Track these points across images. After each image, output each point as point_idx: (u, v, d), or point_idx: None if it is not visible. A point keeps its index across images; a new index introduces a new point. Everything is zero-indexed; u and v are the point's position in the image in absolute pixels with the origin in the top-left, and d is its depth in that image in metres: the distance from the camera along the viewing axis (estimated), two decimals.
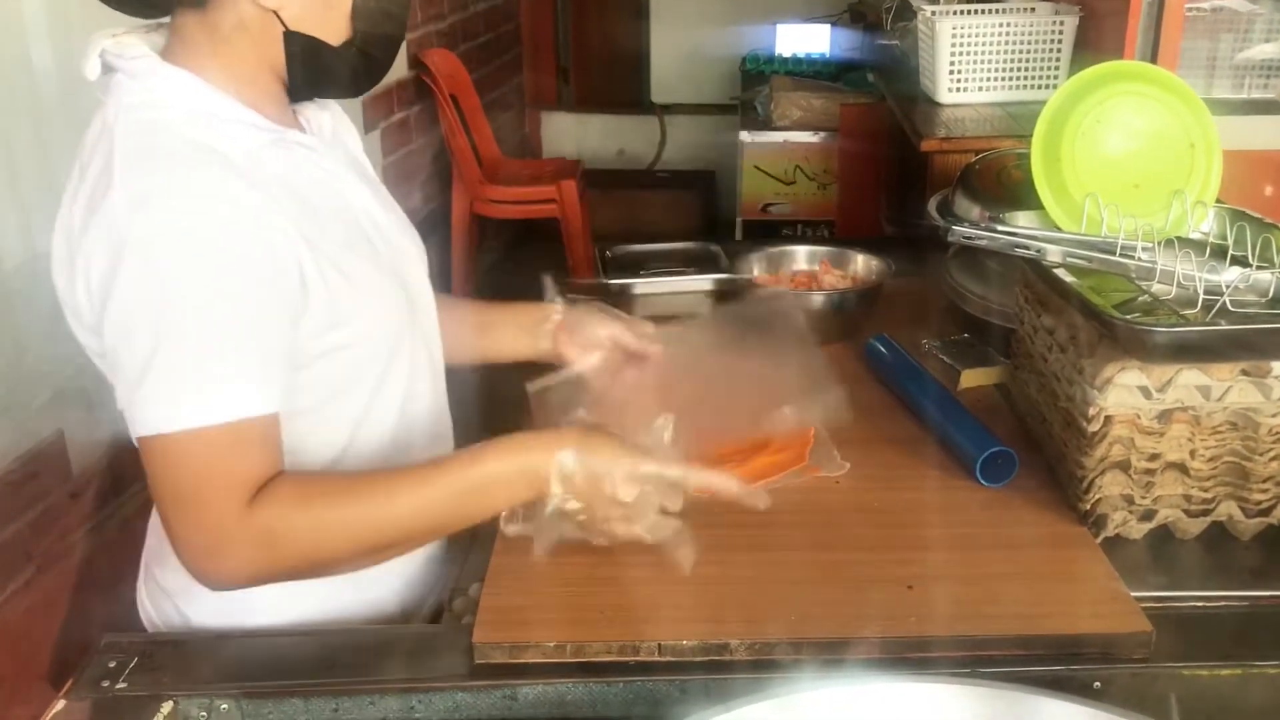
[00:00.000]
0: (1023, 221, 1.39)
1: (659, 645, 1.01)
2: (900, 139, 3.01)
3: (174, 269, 0.99)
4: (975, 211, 1.87)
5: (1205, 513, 1.18)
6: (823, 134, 3.96)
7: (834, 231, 2.03)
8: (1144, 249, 1.22)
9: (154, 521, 1.24)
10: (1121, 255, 1.23)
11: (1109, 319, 1.10)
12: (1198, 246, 1.26)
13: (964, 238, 1.29)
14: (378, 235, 1.19)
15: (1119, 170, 1.36)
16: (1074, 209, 1.36)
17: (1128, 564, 1.15)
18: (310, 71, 1.10)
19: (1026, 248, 1.26)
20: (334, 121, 1.25)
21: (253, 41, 1.07)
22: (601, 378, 1.34)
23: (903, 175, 3.05)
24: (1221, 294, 1.12)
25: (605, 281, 1.74)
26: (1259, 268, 1.19)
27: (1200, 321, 1.10)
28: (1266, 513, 1.18)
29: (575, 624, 1.04)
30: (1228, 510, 1.18)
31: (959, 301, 1.65)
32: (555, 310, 1.39)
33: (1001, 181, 1.92)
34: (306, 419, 1.12)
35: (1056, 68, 2.36)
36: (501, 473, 1.06)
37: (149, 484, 1.03)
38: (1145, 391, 1.14)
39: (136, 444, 1.03)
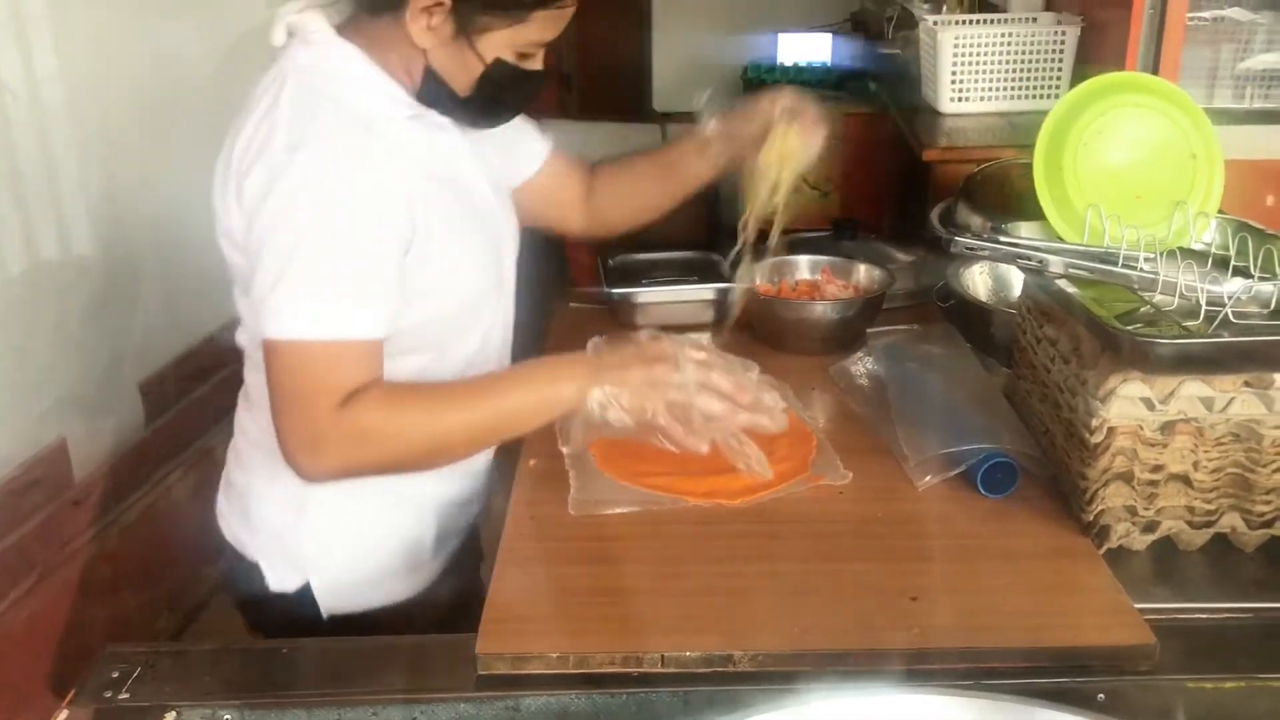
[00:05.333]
0: (1025, 232, 1.39)
1: (662, 657, 1.01)
2: (903, 148, 3.01)
3: (311, 203, 1.15)
4: (977, 221, 1.87)
5: (1208, 524, 1.18)
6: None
7: (855, 234, 2.04)
8: (1146, 260, 1.22)
9: (237, 427, 1.41)
10: (1124, 266, 1.23)
11: (1113, 331, 1.10)
12: (1200, 257, 1.26)
13: (966, 248, 1.29)
14: (485, 213, 1.35)
15: (1121, 181, 1.36)
16: (1076, 220, 1.36)
17: (1130, 575, 1.15)
18: (435, 101, 1.27)
19: (1029, 259, 1.26)
20: None
21: (406, 55, 1.23)
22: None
23: (905, 184, 3.05)
24: (1224, 305, 1.12)
25: (607, 290, 1.73)
26: (1261, 279, 1.19)
27: (1203, 333, 1.10)
28: (1270, 524, 1.18)
29: (578, 635, 1.04)
30: (1231, 522, 1.18)
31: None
32: (712, 122, 1.50)
33: (1004, 192, 1.92)
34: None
35: (1058, 78, 2.36)
36: (539, 403, 1.21)
37: (267, 381, 1.18)
38: (1148, 403, 1.14)
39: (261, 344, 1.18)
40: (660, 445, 1.20)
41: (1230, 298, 1.13)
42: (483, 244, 1.34)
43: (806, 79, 4.58)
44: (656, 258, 1.86)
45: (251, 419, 1.37)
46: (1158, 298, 1.19)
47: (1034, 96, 2.38)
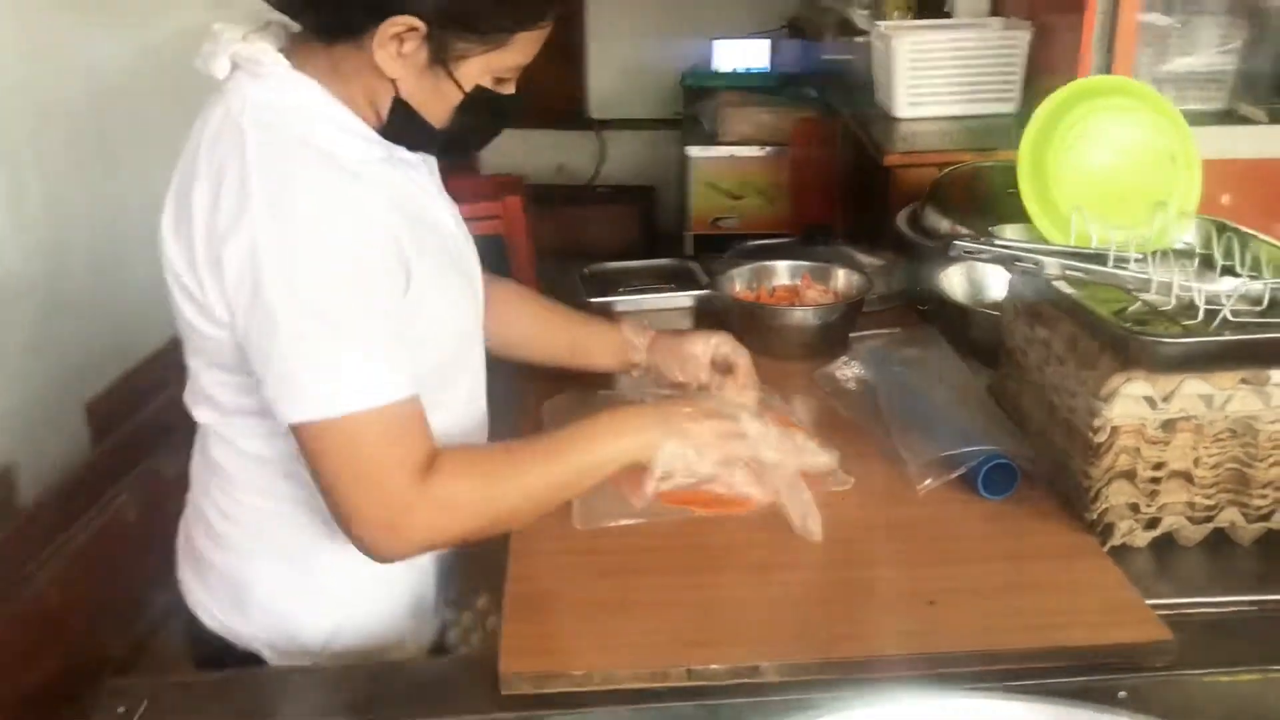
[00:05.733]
0: (1010, 235, 1.40)
1: (688, 670, 1.00)
2: (850, 152, 3.03)
3: (314, 270, 1.05)
4: (946, 225, 1.90)
5: (1208, 519, 1.20)
6: (770, 148, 3.99)
7: (828, 239, 2.05)
8: (1136, 260, 1.24)
9: (210, 507, 1.27)
10: (1115, 266, 1.25)
11: (1120, 332, 1.12)
12: (1186, 256, 1.29)
13: (964, 252, 1.30)
14: (456, 249, 1.28)
15: (1104, 183, 1.39)
16: (1060, 222, 1.38)
17: (1132, 572, 1.16)
18: (405, 135, 1.17)
19: (1024, 261, 1.27)
20: None
21: (370, 86, 1.13)
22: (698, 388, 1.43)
23: (856, 188, 3.07)
24: (1221, 304, 1.14)
25: (586, 300, 1.71)
26: (1251, 277, 1.21)
27: (1206, 332, 1.12)
28: (1266, 518, 1.20)
29: (602, 651, 1.02)
30: (1230, 516, 1.20)
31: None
32: (643, 332, 1.48)
33: (971, 194, 1.95)
34: None
35: (1012, 82, 2.40)
36: (612, 455, 1.17)
37: (311, 465, 1.08)
38: (1150, 402, 1.15)
39: (291, 429, 1.07)
40: (721, 495, 1.21)
41: (1227, 297, 1.15)
42: (461, 283, 1.27)
43: (746, 84, 4.63)
44: (632, 266, 1.85)
45: (233, 500, 1.25)
46: (1151, 297, 1.20)
47: (989, 100, 2.42)
